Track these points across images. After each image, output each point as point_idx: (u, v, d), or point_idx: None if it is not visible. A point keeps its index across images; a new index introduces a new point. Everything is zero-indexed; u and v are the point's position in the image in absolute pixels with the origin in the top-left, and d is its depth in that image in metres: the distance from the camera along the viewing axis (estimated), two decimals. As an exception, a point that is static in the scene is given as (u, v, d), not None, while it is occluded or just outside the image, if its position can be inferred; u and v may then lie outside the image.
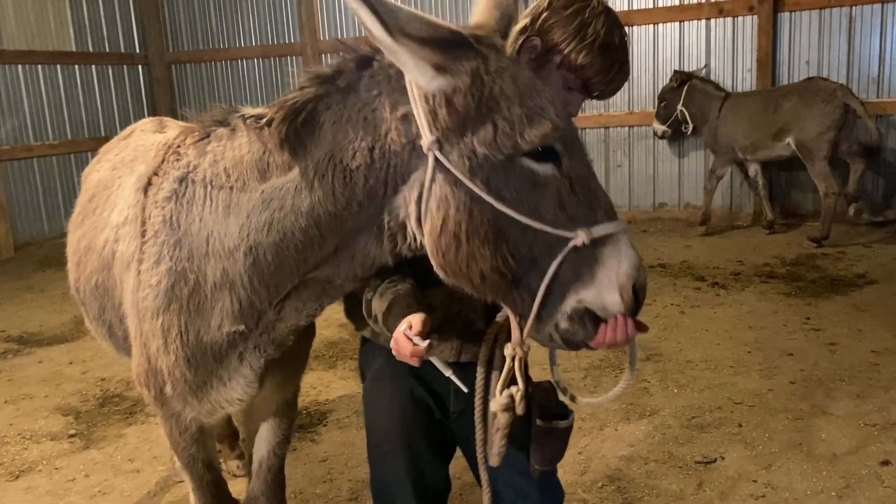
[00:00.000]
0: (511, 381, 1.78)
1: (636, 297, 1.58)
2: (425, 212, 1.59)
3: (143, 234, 2.00)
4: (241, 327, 1.92)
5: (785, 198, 8.79)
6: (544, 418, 1.95)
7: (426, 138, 1.56)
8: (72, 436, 4.25)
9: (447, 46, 1.53)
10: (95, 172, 2.70)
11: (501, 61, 1.59)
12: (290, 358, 2.24)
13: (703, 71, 8.66)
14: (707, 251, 7.60)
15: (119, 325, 2.28)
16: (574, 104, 2.00)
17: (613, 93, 2.01)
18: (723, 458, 3.65)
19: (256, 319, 1.91)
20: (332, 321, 5.95)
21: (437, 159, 1.55)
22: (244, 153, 1.82)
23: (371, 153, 1.64)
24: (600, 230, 1.55)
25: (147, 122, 2.87)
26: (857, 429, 3.86)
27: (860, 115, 7.32)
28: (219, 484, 2.39)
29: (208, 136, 1.94)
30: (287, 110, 1.70)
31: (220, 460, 3.55)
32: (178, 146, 2.02)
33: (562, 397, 1.97)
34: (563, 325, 1.58)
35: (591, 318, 1.57)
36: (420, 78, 1.54)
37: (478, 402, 1.91)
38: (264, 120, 1.79)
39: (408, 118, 1.59)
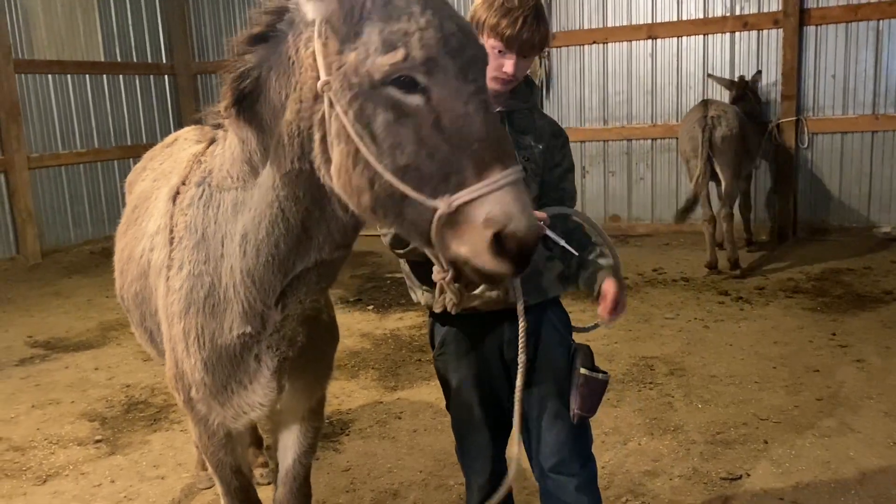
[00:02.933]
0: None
1: (511, 248, 1.40)
2: (329, 149, 1.56)
3: (171, 241, 2.06)
4: (249, 329, 1.94)
5: (810, 213, 8.70)
6: (588, 369, 2.32)
7: (321, 78, 1.52)
8: (97, 441, 4.29)
9: None
10: (140, 182, 2.76)
11: None
12: (314, 364, 2.25)
13: (758, 77, 8.36)
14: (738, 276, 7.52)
15: (157, 332, 2.33)
16: (508, 64, 2.24)
17: (532, 46, 2.24)
18: (748, 475, 3.61)
19: (261, 321, 1.93)
20: (353, 331, 5.98)
21: (330, 101, 1.52)
22: (233, 151, 1.86)
23: (299, 97, 1.61)
24: (463, 196, 1.41)
25: (189, 131, 2.93)
26: (886, 447, 3.80)
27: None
28: (247, 490, 2.41)
29: (215, 140, 2.02)
30: (231, 80, 1.70)
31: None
32: (201, 154, 2.09)
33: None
34: (451, 273, 1.52)
35: (469, 269, 1.47)
36: (306, 3, 1.53)
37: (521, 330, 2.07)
38: (222, 105, 1.78)
39: (313, 57, 1.56)
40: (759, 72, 8.29)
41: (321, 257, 1.81)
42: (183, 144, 2.77)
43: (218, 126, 1.96)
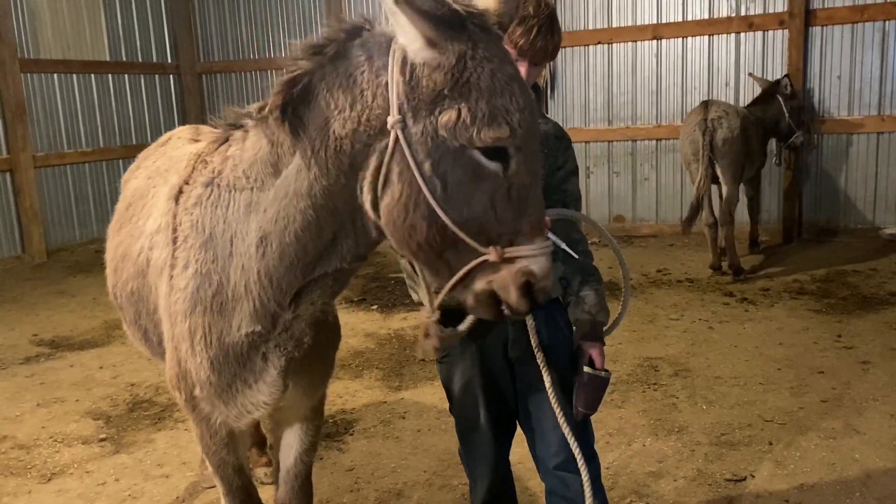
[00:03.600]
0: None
1: (536, 296, 1.66)
2: (385, 182, 1.65)
3: (175, 240, 2.06)
4: (258, 328, 1.95)
5: (816, 214, 8.68)
6: (589, 367, 2.35)
7: (392, 116, 1.61)
8: (102, 440, 4.30)
9: (443, 24, 1.57)
10: (133, 180, 2.77)
11: (489, 51, 1.61)
12: (317, 364, 2.26)
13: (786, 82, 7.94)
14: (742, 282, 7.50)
15: (154, 331, 2.33)
16: (520, 71, 2.26)
17: (545, 55, 2.29)
18: (753, 477, 3.60)
19: (272, 320, 1.95)
20: (357, 331, 5.98)
21: (397, 138, 1.61)
22: (256, 151, 1.88)
23: (359, 118, 1.67)
24: (513, 252, 1.62)
25: (183, 130, 2.94)
26: (891, 449, 3.79)
27: None
28: (248, 490, 2.41)
29: (227, 140, 2.01)
30: (283, 84, 1.75)
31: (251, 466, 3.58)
32: (206, 154, 2.09)
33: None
34: (470, 301, 1.69)
35: (495, 301, 1.67)
36: (411, 44, 1.59)
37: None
38: (265, 107, 1.83)
39: (386, 88, 1.64)
40: (787, 75, 8.01)
41: (341, 265, 1.86)
42: (177, 143, 2.78)
43: (236, 126, 1.96)
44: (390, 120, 1.61)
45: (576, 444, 2.30)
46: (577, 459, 2.31)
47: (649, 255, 8.16)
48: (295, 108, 1.75)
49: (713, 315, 6.07)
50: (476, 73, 1.58)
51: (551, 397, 2.28)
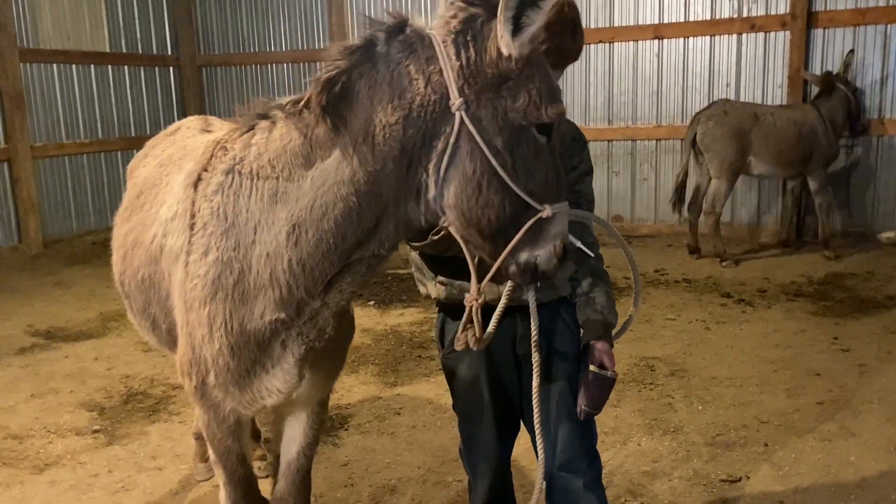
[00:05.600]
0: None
1: (563, 250, 1.90)
2: (450, 162, 1.76)
3: (192, 226, 2.05)
4: (283, 315, 1.97)
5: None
6: (596, 366, 2.34)
7: (455, 99, 1.73)
8: (95, 431, 4.29)
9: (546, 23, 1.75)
10: (143, 168, 2.75)
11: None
12: (332, 356, 2.28)
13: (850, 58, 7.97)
14: (733, 268, 7.51)
15: (164, 319, 2.32)
16: None
17: (566, 60, 2.33)
18: (748, 478, 3.59)
19: (296, 308, 1.96)
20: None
21: (462, 120, 1.72)
22: (286, 142, 1.89)
23: (410, 105, 1.75)
24: (558, 208, 1.84)
25: (193, 120, 2.93)
26: (887, 452, 3.79)
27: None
28: (250, 480, 2.41)
29: (252, 129, 2.00)
30: (323, 83, 1.79)
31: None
32: (226, 142, 2.08)
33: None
34: (512, 269, 1.86)
35: (532, 270, 1.86)
36: (522, 38, 1.72)
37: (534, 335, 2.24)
38: (302, 102, 1.86)
39: (441, 75, 1.74)
40: (852, 51, 8.00)
41: (378, 252, 1.89)
42: (187, 133, 2.76)
43: (265, 116, 1.97)
44: (455, 103, 1.72)
45: (542, 452, 2.27)
46: (538, 470, 2.27)
47: (647, 256, 8.15)
48: (335, 106, 1.80)
49: (710, 316, 6.06)
50: (537, 58, 1.78)
51: (534, 399, 2.25)
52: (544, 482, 2.38)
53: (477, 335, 1.97)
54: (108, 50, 10.29)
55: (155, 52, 11.03)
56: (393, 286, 7.11)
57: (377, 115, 1.76)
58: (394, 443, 4.06)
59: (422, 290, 2.53)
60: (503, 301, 2.23)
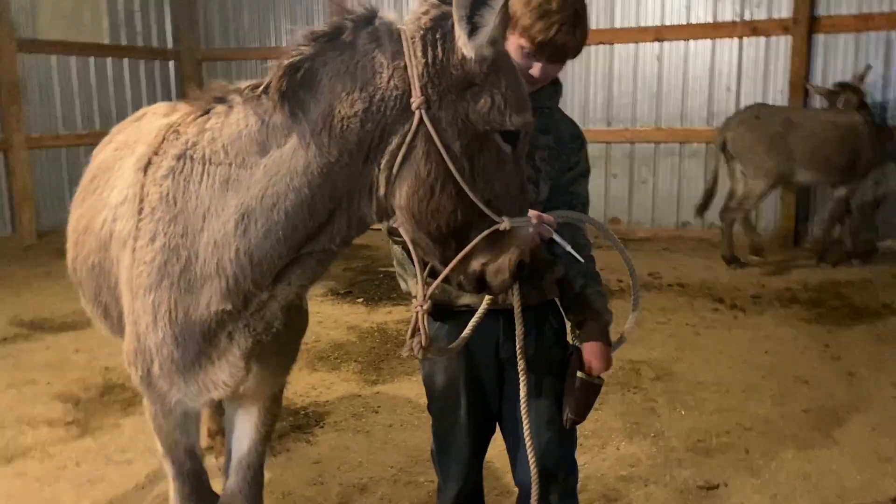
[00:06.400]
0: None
1: (520, 267, 1.82)
2: (404, 161, 1.71)
3: (140, 211, 2.00)
4: (229, 306, 1.91)
5: (814, 224, 8.58)
6: (583, 372, 2.27)
7: (416, 97, 1.68)
8: (69, 423, 4.23)
9: (505, 24, 1.72)
10: (102, 153, 2.70)
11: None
12: (282, 350, 2.22)
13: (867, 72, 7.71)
14: (728, 273, 7.43)
15: (115, 306, 2.27)
16: (536, 68, 2.19)
17: (564, 54, 2.18)
18: (726, 485, 3.51)
19: (243, 299, 1.91)
20: (340, 323, 5.91)
21: (421, 119, 1.68)
22: (242, 128, 1.84)
23: (371, 98, 1.71)
24: (519, 221, 1.78)
25: (160, 106, 2.87)
26: (870, 463, 3.70)
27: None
28: (199, 474, 2.34)
29: (208, 113, 1.94)
30: (285, 68, 1.74)
31: (215, 456, 3.50)
32: (179, 125, 2.02)
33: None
34: (460, 278, 1.82)
35: (480, 280, 1.81)
36: (475, 41, 1.68)
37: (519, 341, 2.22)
38: (261, 87, 1.81)
39: (405, 71, 1.70)
40: (869, 66, 7.74)
41: (329, 246, 1.86)
42: (152, 119, 2.70)
43: (221, 100, 1.92)
44: (415, 101, 1.68)
45: (535, 468, 2.26)
46: (532, 484, 2.27)
47: (642, 259, 8.04)
48: (296, 92, 1.75)
49: (701, 320, 5.98)
50: (505, 64, 1.75)
51: (522, 409, 2.22)
52: (535, 487, 2.31)
53: (423, 343, 1.90)
54: (107, 42, 10.26)
55: (155, 45, 11.00)
56: (384, 284, 7.04)
57: (337, 105, 1.72)
58: (368, 441, 3.99)
59: (402, 285, 2.46)
60: (483, 306, 2.19)
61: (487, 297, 2.17)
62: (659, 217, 9.25)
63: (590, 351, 2.28)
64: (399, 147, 1.71)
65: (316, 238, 1.83)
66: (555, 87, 2.38)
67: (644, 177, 9.29)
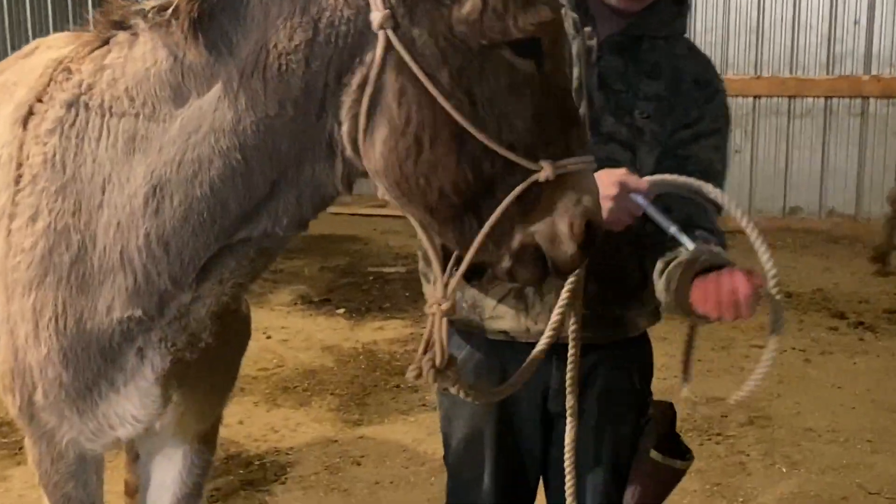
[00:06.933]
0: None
1: (590, 232, 1.71)
2: (371, 106, 1.64)
3: (18, 180, 2.00)
4: (138, 312, 1.91)
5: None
6: (661, 451, 2.23)
7: (377, 11, 1.60)
8: (-60, 474, 4.30)
9: None
10: None
11: None
12: (215, 372, 2.24)
13: None
14: (854, 278, 7.45)
15: None
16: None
17: None
18: (842, 572, 3.51)
19: (158, 302, 1.90)
20: (313, 342, 5.95)
21: (388, 42, 1.61)
22: (148, 65, 1.82)
23: (315, 23, 1.66)
24: (570, 164, 1.68)
25: (58, 37, 2.86)
26: None
27: None
28: None
29: (107, 43, 1.93)
30: None
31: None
32: (71, 62, 2.01)
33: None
34: (506, 263, 1.72)
35: (538, 258, 1.71)
36: None
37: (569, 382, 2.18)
38: (170, 8, 1.77)
39: None
40: None
41: (273, 230, 1.83)
42: (44, 53, 2.72)
43: (121, 26, 1.91)
44: (376, 17, 1.60)
45: None
46: None
47: (733, 257, 8.04)
48: (215, 19, 1.72)
49: (813, 343, 6.00)
50: None
51: (567, 461, 2.20)
52: None
53: (436, 362, 1.81)
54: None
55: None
56: (374, 290, 7.10)
57: (272, 38, 1.69)
58: (346, 504, 4.02)
59: (426, 289, 2.45)
60: (545, 338, 2.09)
61: (550, 327, 2.09)
62: (758, 200, 9.29)
63: (701, 287, 2.02)
64: (362, 87, 1.65)
65: (254, 219, 1.82)
66: (678, 6, 2.28)
67: (738, 144, 9.26)
